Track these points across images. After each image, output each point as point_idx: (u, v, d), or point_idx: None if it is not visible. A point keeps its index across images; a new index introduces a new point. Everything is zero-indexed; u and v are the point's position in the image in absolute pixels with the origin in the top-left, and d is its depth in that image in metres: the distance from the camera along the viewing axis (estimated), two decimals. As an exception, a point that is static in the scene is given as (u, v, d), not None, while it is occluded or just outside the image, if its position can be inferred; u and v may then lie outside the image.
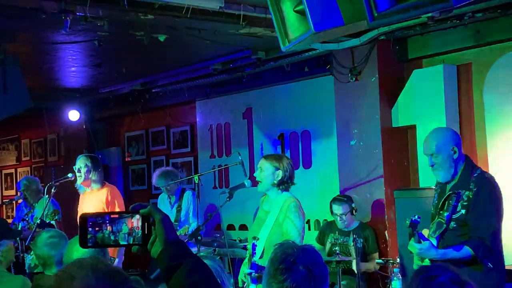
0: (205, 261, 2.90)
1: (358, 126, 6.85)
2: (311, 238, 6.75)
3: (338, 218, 6.37)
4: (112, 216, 1.75)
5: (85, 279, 1.57)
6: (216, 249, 5.89)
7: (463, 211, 4.10)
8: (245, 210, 7.90)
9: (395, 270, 5.11)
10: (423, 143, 4.41)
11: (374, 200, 6.71)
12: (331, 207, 6.43)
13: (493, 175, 6.03)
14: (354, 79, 6.83)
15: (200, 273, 1.75)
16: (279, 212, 4.69)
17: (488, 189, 4.12)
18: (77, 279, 1.57)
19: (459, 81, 6.47)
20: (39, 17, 5.42)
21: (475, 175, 4.16)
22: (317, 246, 6.49)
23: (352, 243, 6.09)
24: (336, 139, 7.14)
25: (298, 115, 7.88)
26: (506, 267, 4.28)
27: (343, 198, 6.47)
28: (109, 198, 6.51)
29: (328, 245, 6.44)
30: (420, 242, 4.04)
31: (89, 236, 1.73)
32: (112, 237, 1.74)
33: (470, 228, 4.07)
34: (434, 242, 4.12)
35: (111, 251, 5.66)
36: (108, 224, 1.73)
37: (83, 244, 1.73)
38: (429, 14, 5.32)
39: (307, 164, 7.83)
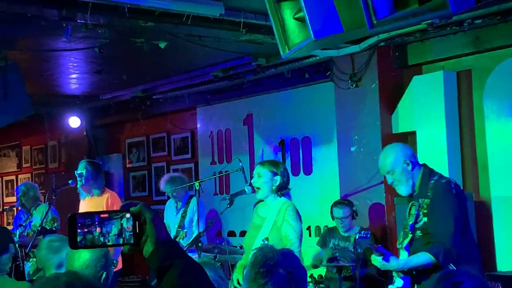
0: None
1: (359, 132, 6.86)
2: (312, 244, 6.76)
3: (340, 222, 6.37)
4: (101, 216, 1.71)
5: None
6: (217, 255, 5.90)
7: (425, 219, 4.16)
8: (245, 217, 7.89)
9: (394, 277, 5.11)
10: (378, 165, 4.49)
11: (374, 206, 6.72)
12: (331, 210, 6.44)
13: (493, 181, 6.08)
14: (354, 85, 6.84)
15: (193, 274, 1.69)
16: (277, 216, 4.70)
17: (443, 194, 4.15)
18: None
19: (459, 87, 6.48)
20: (40, 24, 5.43)
21: (431, 181, 4.22)
22: (318, 249, 6.51)
23: (352, 249, 6.11)
24: (336, 145, 7.15)
25: (298, 121, 7.89)
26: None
27: (344, 201, 6.50)
28: (109, 204, 6.52)
29: (329, 251, 6.45)
30: (382, 255, 4.13)
31: (79, 238, 1.69)
32: (101, 239, 1.70)
33: (431, 234, 4.11)
34: (404, 253, 4.19)
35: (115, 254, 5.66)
36: (97, 226, 1.69)
37: (73, 245, 1.69)
38: (429, 21, 5.33)
39: (308, 170, 7.84)
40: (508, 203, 5.98)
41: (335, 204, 6.47)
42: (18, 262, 6.61)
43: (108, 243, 1.71)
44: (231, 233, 8.50)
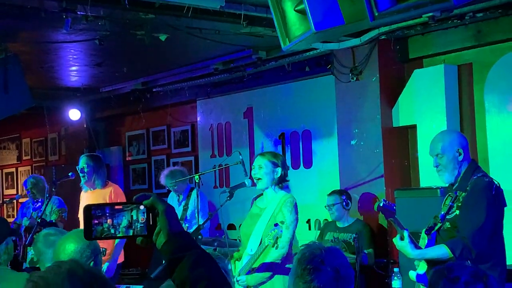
0: None
1: (359, 126, 6.85)
2: (312, 238, 6.75)
3: (328, 209, 6.42)
4: (115, 207, 1.73)
5: (60, 286, 1.55)
6: (217, 248, 5.90)
7: (457, 212, 4.11)
8: (245, 210, 7.87)
9: (395, 269, 5.10)
10: (429, 144, 4.40)
11: (374, 199, 6.71)
12: None
13: (493, 175, 6.07)
14: (354, 78, 6.83)
15: (204, 266, 1.69)
16: (276, 208, 4.71)
17: (480, 191, 4.08)
18: (53, 286, 1.56)
19: (460, 81, 6.47)
20: (40, 16, 5.43)
21: (474, 177, 4.15)
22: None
23: (352, 242, 6.11)
24: (336, 138, 7.15)
25: (299, 114, 7.89)
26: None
27: (337, 190, 6.55)
28: (113, 198, 6.52)
29: (326, 243, 6.46)
30: (402, 237, 4.10)
31: (92, 229, 1.71)
32: (112, 230, 1.72)
33: (458, 228, 4.08)
34: (425, 240, 4.17)
35: (105, 243, 5.65)
36: (108, 217, 1.71)
37: (88, 236, 1.72)
38: (430, 14, 5.32)
39: (308, 164, 7.84)
40: (509, 197, 5.97)
41: (328, 193, 6.53)
42: (16, 252, 6.61)
43: (118, 235, 1.73)
44: (231, 226, 8.51)
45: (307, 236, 7.10)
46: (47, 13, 5.38)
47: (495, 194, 4.09)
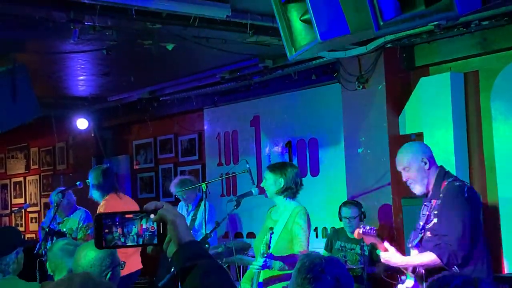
0: None
1: (366, 134, 6.86)
2: (319, 246, 6.75)
3: (347, 221, 6.38)
4: (126, 216, 1.74)
5: None
6: (223, 259, 5.89)
7: (435, 220, 4.14)
8: (252, 218, 7.91)
9: (403, 277, 5.10)
10: (395, 161, 4.47)
11: (381, 207, 6.71)
12: (340, 210, 6.44)
13: (500, 183, 6.07)
14: (361, 87, 6.84)
15: (215, 276, 1.70)
16: (288, 220, 4.76)
17: (454, 196, 4.12)
18: None
19: (466, 88, 6.47)
20: (47, 26, 5.46)
21: (446, 183, 4.19)
22: (325, 253, 6.50)
23: (360, 251, 6.10)
24: (343, 146, 7.15)
25: (305, 123, 7.90)
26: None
27: (354, 202, 6.51)
28: (101, 210, 6.50)
29: (335, 252, 6.45)
30: (386, 250, 4.16)
31: (103, 237, 1.72)
32: (122, 239, 1.73)
33: (439, 236, 4.10)
34: (414, 253, 4.22)
35: (122, 256, 5.67)
36: (118, 226, 1.72)
37: (98, 245, 1.73)
38: (436, 22, 5.33)
39: (315, 172, 7.84)
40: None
41: (344, 204, 6.48)
42: (43, 258, 6.61)
43: (128, 243, 1.74)
44: (238, 235, 8.51)
45: (314, 244, 7.09)
46: (55, 24, 5.42)
47: (467, 197, 4.14)
